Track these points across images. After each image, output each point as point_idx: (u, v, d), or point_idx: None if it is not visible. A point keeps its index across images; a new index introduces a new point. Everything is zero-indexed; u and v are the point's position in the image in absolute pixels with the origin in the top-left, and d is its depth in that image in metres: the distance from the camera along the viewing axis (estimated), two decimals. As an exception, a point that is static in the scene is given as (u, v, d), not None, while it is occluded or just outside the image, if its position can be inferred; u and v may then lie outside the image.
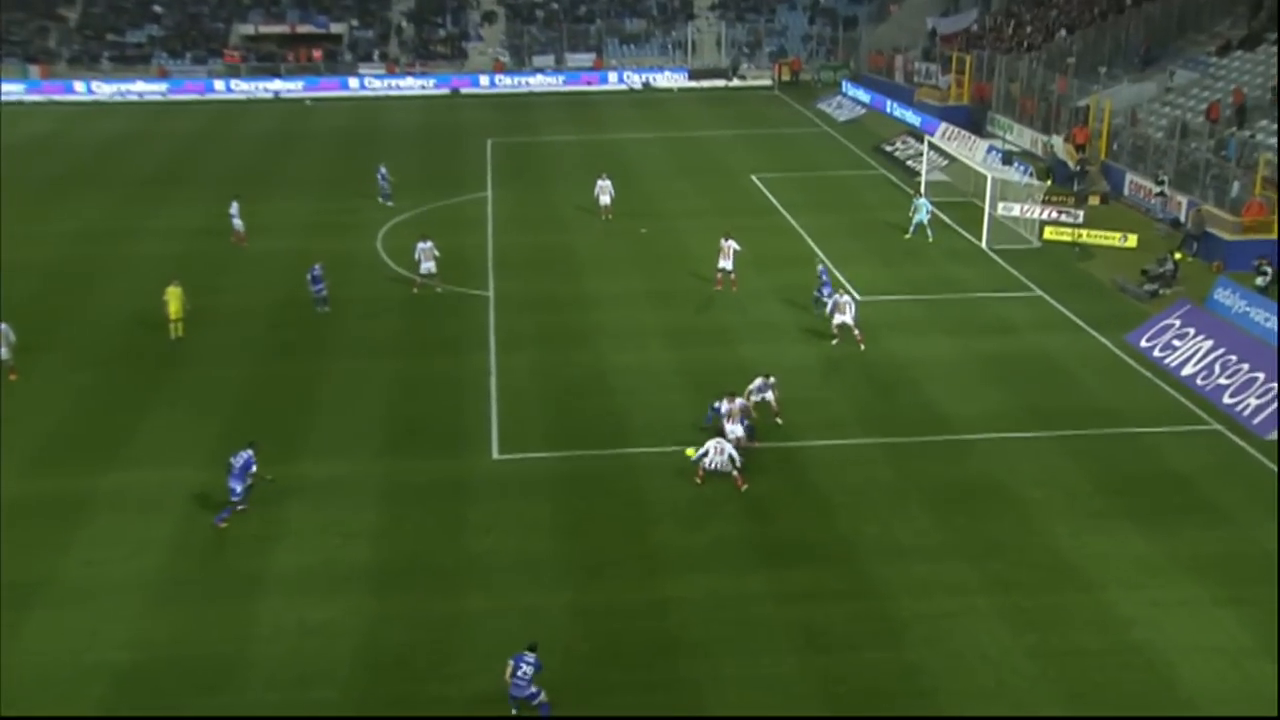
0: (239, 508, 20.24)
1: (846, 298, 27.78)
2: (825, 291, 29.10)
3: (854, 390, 25.71)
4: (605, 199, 38.44)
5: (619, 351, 27.92)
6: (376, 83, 64.75)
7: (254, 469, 20.28)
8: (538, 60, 68.49)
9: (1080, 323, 29.46)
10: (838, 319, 27.51)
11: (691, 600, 18.37)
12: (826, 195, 41.89)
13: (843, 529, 20.33)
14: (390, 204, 40.59)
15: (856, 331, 27.56)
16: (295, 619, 17.89)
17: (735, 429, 21.94)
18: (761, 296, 31.54)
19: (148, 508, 20.82)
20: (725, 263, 31.32)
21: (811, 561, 19.35)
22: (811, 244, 36.02)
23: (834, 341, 27.66)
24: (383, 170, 41.30)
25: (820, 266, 31.00)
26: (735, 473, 21.10)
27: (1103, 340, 28.30)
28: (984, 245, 35.53)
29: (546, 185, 43.69)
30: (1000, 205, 36.32)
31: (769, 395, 23.83)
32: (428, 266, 31.42)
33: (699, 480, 21.36)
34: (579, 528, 20.41)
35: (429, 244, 31.43)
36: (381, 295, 31.92)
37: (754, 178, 44.31)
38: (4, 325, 24.93)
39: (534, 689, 15.66)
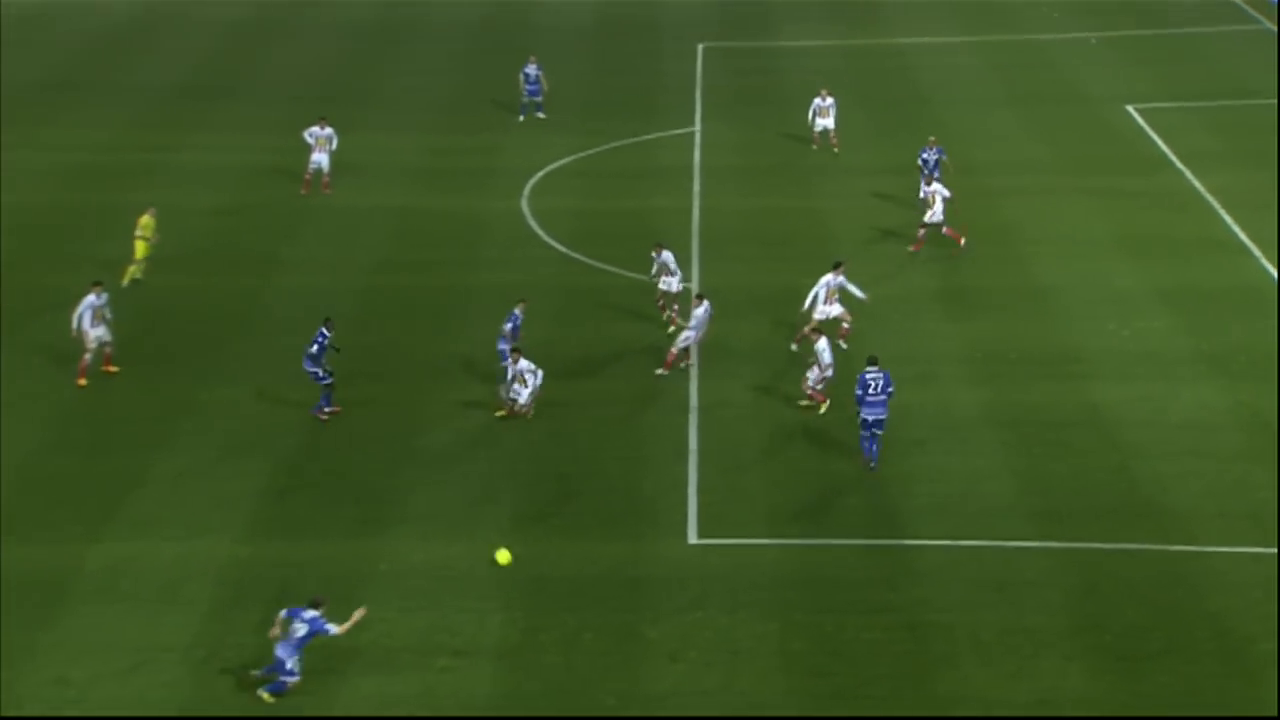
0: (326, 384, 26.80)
1: (839, 280, 29.07)
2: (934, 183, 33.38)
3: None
4: (825, 123, 39.96)
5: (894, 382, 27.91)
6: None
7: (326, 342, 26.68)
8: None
9: None
10: (822, 310, 28.93)
11: (1004, 795, 18.17)
12: (1261, 140, 40.57)
13: (1273, 698, 19.49)
14: (541, 115, 42.85)
15: (844, 324, 29.18)
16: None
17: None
18: (1134, 303, 30.97)
19: (155, 596, 22.10)
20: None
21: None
22: (1228, 219, 34.95)
23: (794, 347, 28.91)
24: (532, 68, 43.36)
25: (931, 150, 34.19)
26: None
27: None
28: None
29: (787, 118, 44.06)
30: None
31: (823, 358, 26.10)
32: (670, 283, 30.37)
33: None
34: (825, 662, 20.43)
35: (668, 255, 30.48)
36: (525, 283, 32.91)
37: (1131, 110, 43.39)
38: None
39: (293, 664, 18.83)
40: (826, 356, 26.40)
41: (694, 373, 28.61)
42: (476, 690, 20.07)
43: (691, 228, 35.82)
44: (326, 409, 27.16)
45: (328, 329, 26.92)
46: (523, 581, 22.28)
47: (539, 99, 43.36)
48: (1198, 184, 37.31)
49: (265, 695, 19.55)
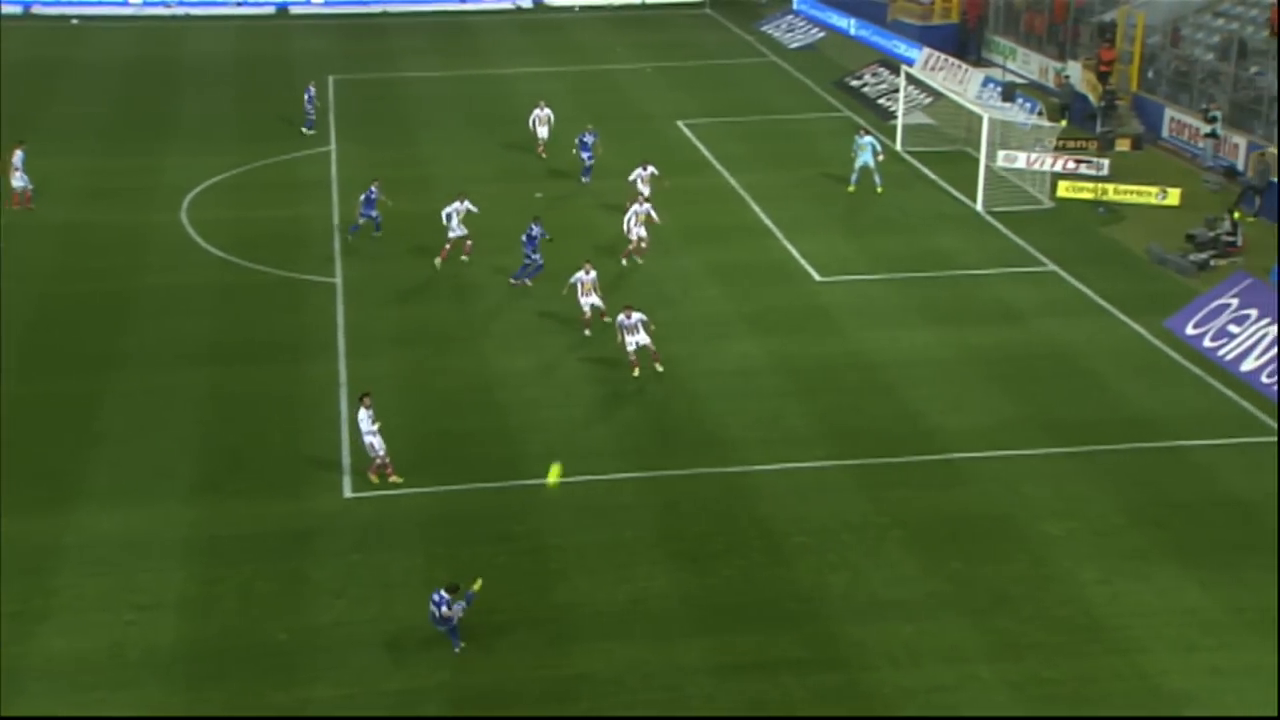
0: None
1: (646, 206, 31.87)
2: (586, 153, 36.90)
3: (814, 398, 26.15)
4: (544, 131, 40.41)
5: (508, 354, 27.97)
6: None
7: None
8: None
9: (1106, 305, 30.35)
10: (636, 231, 31.65)
11: (607, 676, 18.47)
12: (775, 146, 42.49)
13: (802, 579, 20.59)
14: (312, 132, 42.71)
15: (643, 244, 31.85)
16: (73, 724, 17.51)
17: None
18: (692, 278, 31.89)
19: None
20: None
21: (762, 622, 19.56)
22: (757, 209, 36.52)
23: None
24: (311, 91, 43.24)
25: (589, 134, 37.22)
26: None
27: (1136, 328, 29.18)
28: (979, 207, 36.40)
29: (407, 136, 43.52)
30: (1000, 155, 37.22)
31: (641, 337, 26.25)
32: (460, 231, 32.00)
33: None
34: (464, 585, 20.34)
35: (464, 204, 32.01)
36: (189, 283, 31.47)
37: (681, 124, 44.68)
38: None
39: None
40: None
41: (342, 353, 27.92)
42: (162, 638, 19.06)
43: (333, 230, 34.86)
44: None
45: None
46: (200, 542, 21.34)
47: (314, 119, 43.07)
48: (733, 182, 38.76)
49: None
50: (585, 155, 37.44)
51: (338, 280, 31.59)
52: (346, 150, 41.83)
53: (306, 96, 43.66)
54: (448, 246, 31.97)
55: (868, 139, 37.33)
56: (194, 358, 27.71)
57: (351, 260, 32.84)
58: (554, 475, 21.14)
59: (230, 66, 52.99)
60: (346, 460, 23.73)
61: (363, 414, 22.65)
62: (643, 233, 31.91)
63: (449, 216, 31.87)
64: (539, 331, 29.05)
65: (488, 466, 23.69)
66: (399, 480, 22.88)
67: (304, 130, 43.14)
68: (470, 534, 21.68)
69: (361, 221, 33.31)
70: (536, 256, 30.68)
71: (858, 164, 37.08)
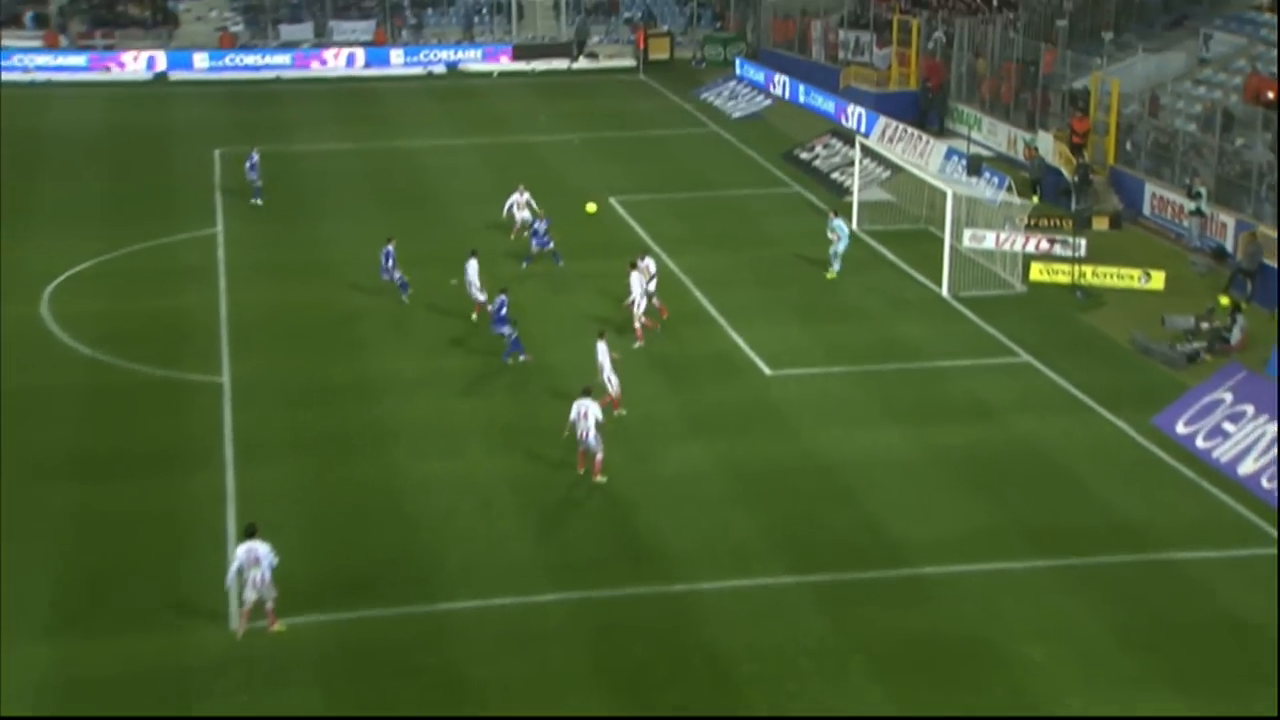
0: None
1: (649, 261, 34.35)
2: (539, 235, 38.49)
3: (766, 507, 26.24)
4: (523, 215, 41.11)
5: (420, 459, 27.93)
6: (32, 59, 63.86)
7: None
8: (287, 32, 68.75)
9: (1087, 400, 30.91)
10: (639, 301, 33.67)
11: (538, 832, 18.30)
12: (717, 225, 43.11)
13: (755, 713, 20.51)
14: (259, 202, 43.91)
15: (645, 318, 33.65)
16: None
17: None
18: (628, 372, 32.00)
19: None
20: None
21: (714, 763, 19.49)
22: (699, 295, 36.92)
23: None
24: (254, 158, 44.27)
25: (541, 221, 38.69)
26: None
27: (1120, 425, 29.71)
28: (944, 292, 37.07)
29: (305, 214, 43.71)
30: (966, 234, 38.06)
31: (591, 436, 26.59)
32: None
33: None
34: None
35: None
36: (50, 385, 31.19)
37: (614, 201, 45.24)
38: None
39: None
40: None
41: (229, 462, 27.72)
42: (18, 799, 18.58)
43: (220, 322, 34.81)
44: None
45: None
46: (58, 686, 20.84)
47: (260, 186, 44.14)
48: (673, 264, 39.13)
49: None
50: (537, 243, 38.41)
51: (225, 379, 31.48)
52: (235, 231, 41.90)
53: (248, 165, 44.37)
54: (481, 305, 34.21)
55: (839, 221, 37.75)
56: (55, 472, 27.31)
57: (241, 356, 32.75)
58: (592, 208, 23.05)
59: (101, 139, 53.06)
60: (234, 587, 23.42)
61: (263, 549, 22.05)
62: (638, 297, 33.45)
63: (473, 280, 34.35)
64: (455, 432, 29.05)
65: (396, 589, 23.47)
66: (282, 629, 22.29)
67: (255, 201, 44.18)
68: (376, 668, 21.39)
69: (403, 278, 35.66)
70: (508, 330, 32.06)
71: (835, 248, 37.43)
